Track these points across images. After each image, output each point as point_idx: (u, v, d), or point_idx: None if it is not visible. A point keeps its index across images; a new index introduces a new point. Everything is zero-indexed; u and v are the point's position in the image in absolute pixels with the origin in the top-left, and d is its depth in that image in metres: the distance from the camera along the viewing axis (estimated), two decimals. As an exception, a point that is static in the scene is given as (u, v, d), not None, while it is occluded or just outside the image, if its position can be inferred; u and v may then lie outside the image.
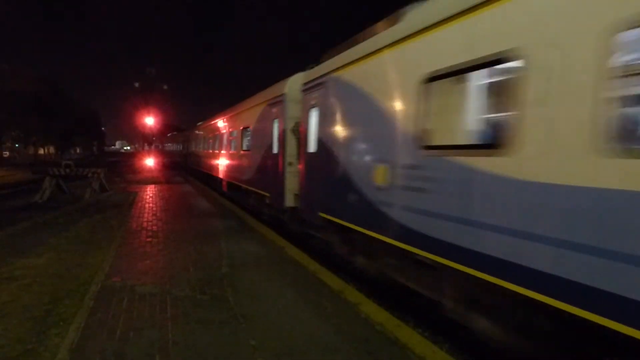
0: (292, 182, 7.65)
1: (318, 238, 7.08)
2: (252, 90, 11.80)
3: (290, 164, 7.72)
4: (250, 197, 10.84)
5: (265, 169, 9.12)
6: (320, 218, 6.26)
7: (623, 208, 2.20)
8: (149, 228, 8.25)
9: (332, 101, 5.87)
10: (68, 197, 14.46)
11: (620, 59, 2.29)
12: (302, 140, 7.15)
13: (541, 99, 2.67)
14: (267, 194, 8.94)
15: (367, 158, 4.93)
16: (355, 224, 5.13)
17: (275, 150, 8.41)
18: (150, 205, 11.74)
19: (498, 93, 3.38)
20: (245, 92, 12.53)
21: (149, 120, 36.26)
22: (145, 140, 41.43)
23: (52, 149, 69.24)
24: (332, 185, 5.84)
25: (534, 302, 2.68)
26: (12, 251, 6.26)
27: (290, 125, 7.75)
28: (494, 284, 2.99)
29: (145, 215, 9.89)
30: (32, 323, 3.73)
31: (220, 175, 14.91)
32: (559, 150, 2.56)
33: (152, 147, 43.14)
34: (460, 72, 3.43)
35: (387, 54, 4.46)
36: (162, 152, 43.78)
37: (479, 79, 3.58)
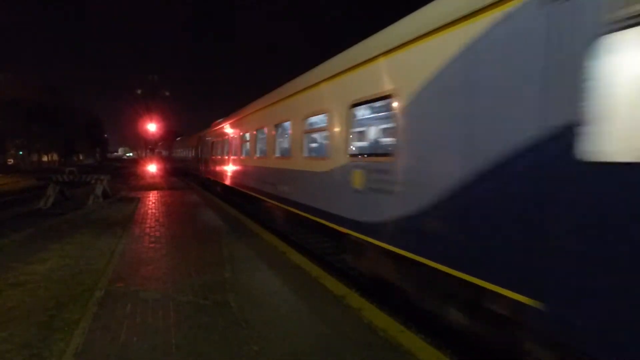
0: None
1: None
2: (255, 95, 10.26)
3: None
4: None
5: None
6: None
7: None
8: (152, 234, 8.28)
9: None
10: (71, 204, 14.54)
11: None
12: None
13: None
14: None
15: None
16: None
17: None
18: (153, 211, 11.78)
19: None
20: (247, 99, 11.93)
21: (152, 127, 36.53)
22: (148, 146, 41.65)
23: (55, 156, 69.69)
24: None
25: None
26: (17, 257, 6.30)
27: None
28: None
29: (148, 221, 9.93)
30: (37, 328, 3.75)
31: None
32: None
33: (155, 153, 43.36)
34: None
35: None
36: (165, 159, 43.85)
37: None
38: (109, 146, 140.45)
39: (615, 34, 2.24)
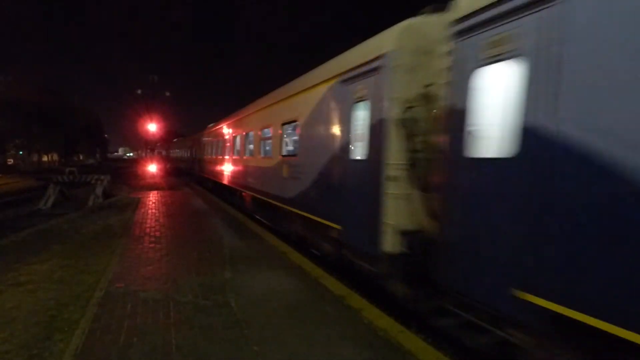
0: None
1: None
2: (256, 95, 11.45)
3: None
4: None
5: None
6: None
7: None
8: (152, 234, 8.28)
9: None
10: (72, 204, 14.54)
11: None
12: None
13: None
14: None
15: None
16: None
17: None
18: (153, 211, 11.79)
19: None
20: (248, 99, 12.38)
21: (152, 127, 36.46)
22: (148, 146, 41.60)
23: (55, 156, 69.72)
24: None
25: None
26: (17, 258, 6.30)
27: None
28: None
29: (148, 221, 9.93)
30: (37, 328, 3.75)
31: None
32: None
33: (155, 153, 43.34)
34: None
35: None
36: (165, 159, 43.96)
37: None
38: (109, 146, 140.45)
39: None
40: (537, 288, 2.79)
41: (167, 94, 39.04)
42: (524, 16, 2.97)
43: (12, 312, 4.15)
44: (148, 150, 41.13)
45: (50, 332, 3.67)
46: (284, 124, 8.20)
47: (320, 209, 6.27)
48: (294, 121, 7.56)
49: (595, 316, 2.41)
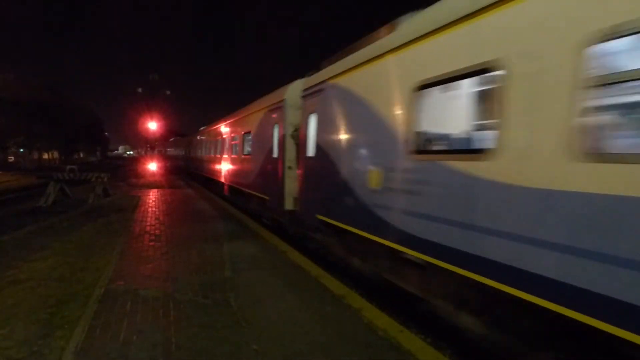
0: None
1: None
2: (256, 94, 12.40)
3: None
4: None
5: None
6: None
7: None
8: (152, 232, 8.29)
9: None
10: (72, 202, 14.54)
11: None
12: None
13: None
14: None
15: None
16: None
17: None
18: (153, 209, 11.80)
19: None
20: (249, 97, 13.32)
21: (152, 125, 36.45)
22: (148, 145, 41.65)
23: (56, 154, 69.74)
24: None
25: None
26: (17, 255, 6.31)
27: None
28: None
29: (148, 219, 9.94)
30: (37, 326, 3.76)
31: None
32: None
33: (155, 151, 43.37)
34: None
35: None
36: (165, 157, 44.13)
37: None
38: (109, 144, 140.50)
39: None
40: (321, 213, 6.28)
41: (168, 92, 38.95)
42: (310, 95, 6.93)
43: (13, 308, 4.15)
44: (148, 149, 41.16)
45: (50, 329, 3.68)
46: (244, 134, 12.09)
47: (259, 188, 10.01)
48: (249, 132, 11.33)
49: (332, 218, 5.93)
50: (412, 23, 4.32)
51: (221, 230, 8.78)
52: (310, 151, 6.81)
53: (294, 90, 8.06)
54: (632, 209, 2.15)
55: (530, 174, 2.75)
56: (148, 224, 9.31)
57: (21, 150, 60.67)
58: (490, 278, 3.04)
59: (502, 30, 3.06)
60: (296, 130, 7.82)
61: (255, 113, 10.86)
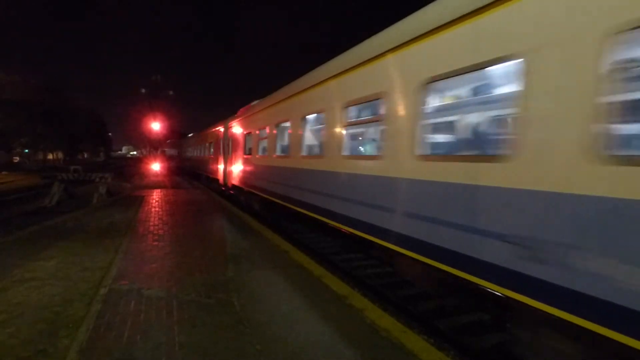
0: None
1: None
2: (256, 95, 15.20)
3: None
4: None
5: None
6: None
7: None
8: (155, 232, 8.33)
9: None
10: (76, 202, 14.64)
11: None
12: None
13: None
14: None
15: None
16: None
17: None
18: (157, 209, 11.85)
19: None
20: (249, 97, 15.46)
21: (155, 126, 36.71)
22: (152, 145, 41.98)
23: (60, 155, 70.22)
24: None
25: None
26: (22, 254, 6.36)
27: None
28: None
29: (152, 219, 9.98)
30: (42, 325, 3.79)
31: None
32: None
33: (158, 152, 43.69)
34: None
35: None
36: (167, 158, 44.59)
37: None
38: (112, 145, 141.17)
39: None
40: (234, 182, 14.38)
41: (171, 92, 39.23)
42: (228, 127, 15.97)
43: (18, 308, 4.19)
44: (151, 149, 41.45)
45: (55, 328, 3.70)
46: (208, 143, 21.00)
47: (215, 173, 17.82)
48: (212, 142, 19.59)
49: (237, 184, 14.00)
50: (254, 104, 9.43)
51: (224, 231, 8.81)
52: (229, 153, 14.75)
53: (226, 123, 15.85)
54: None
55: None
56: (152, 224, 9.35)
57: (26, 150, 61.12)
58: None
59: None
60: (227, 142, 15.42)
61: (211, 131, 19.91)
